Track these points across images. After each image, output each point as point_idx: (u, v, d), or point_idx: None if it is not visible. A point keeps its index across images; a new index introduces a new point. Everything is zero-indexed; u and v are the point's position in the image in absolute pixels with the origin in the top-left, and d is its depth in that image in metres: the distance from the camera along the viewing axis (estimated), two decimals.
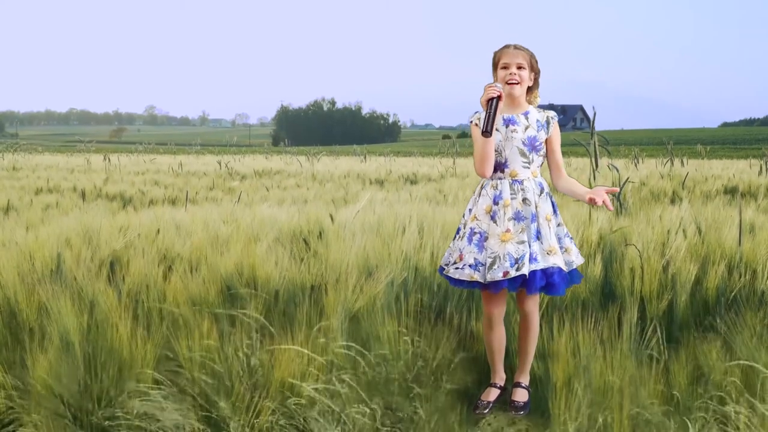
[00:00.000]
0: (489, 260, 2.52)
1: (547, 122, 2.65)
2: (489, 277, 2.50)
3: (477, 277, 2.53)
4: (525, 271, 2.48)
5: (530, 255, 2.51)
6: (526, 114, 2.63)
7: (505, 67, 2.60)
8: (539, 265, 2.52)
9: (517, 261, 2.49)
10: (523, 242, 2.52)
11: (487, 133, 2.51)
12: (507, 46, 2.64)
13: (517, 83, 2.58)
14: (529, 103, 2.70)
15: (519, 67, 2.59)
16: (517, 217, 2.54)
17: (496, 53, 2.65)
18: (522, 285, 2.53)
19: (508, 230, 2.53)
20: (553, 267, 2.53)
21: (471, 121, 2.68)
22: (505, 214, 2.55)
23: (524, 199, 2.57)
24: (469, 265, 2.55)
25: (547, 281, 2.53)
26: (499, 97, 2.52)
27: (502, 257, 2.50)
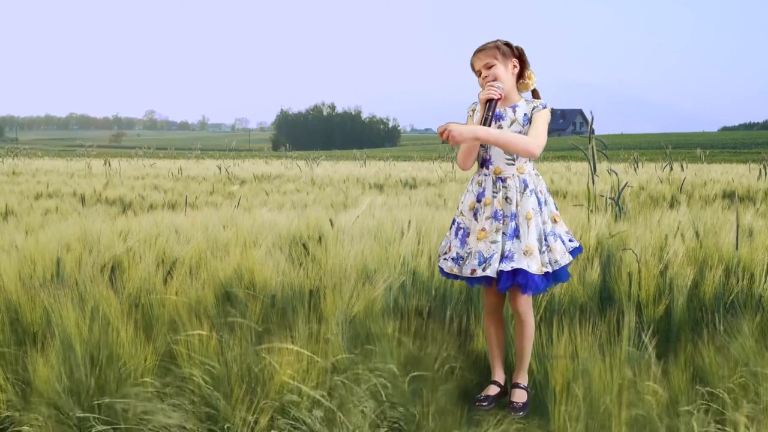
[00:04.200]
0: (466, 255, 2.58)
1: (533, 112, 2.60)
2: (464, 272, 2.57)
3: (456, 270, 2.60)
4: (489, 272, 2.49)
5: (504, 254, 2.51)
6: (514, 107, 2.61)
7: (479, 74, 2.61)
8: (512, 265, 2.48)
9: (486, 260, 2.51)
10: (495, 242, 2.52)
11: None
12: (473, 54, 2.63)
13: (494, 80, 2.56)
14: (525, 88, 2.67)
15: (488, 67, 2.58)
16: (495, 217, 2.55)
17: (470, 64, 2.65)
18: (499, 283, 2.53)
19: (483, 229, 2.55)
20: (520, 269, 2.49)
21: (468, 114, 2.68)
22: (484, 212, 2.57)
23: (506, 198, 2.56)
24: (452, 258, 2.62)
25: (515, 281, 2.50)
26: (498, 99, 2.51)
27: (473, 255, 2.55)
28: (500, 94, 2.52)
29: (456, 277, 2.64)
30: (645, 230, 4.22)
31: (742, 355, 2.55)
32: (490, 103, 2.50)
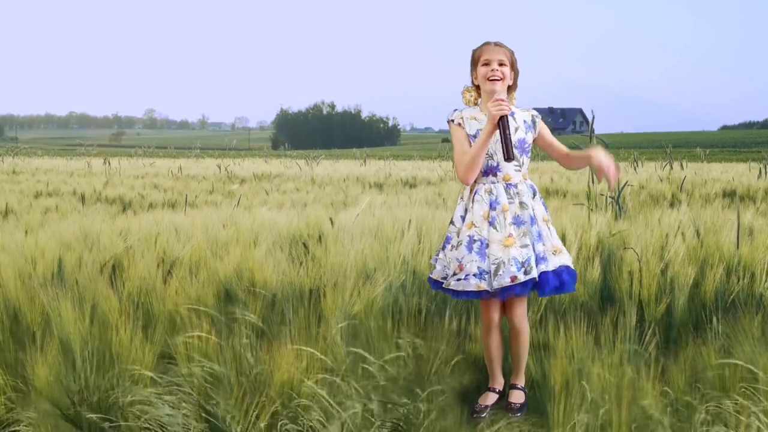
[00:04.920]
0: (493, 267, 2.47)
1: (533, 122, 2.63)
2: (496, 284, 2.46)
3: (484, 285, 2.47)
4: (534, 274, 2.46)
5: (537, 256, 2.50)
6: (512, 114, 2.59)
7: (486, 64, 2.56)
8: (554, 264, 2.51)
9: (523, 265, 2.46)
10: (526, 246, 2.49)
11: (510, 158, 2.45)
12: (487, 43, 2.59)
13: (499, 80, 2.54)
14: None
15: (500, 64, 2.55)
16: (517, 222, 2.52)
17: (475, 50, 2.61)
18: (533, 288, 2.52)
19: (510, 235, 2.49)
20: (561, 266, 2.53)
21: (451, 120, 2.62)
22: (505, 219, 2.51)
23: (521, 203, 2.54)
24: (474, 275, 2.48)
25: (561, 280, 2.52)
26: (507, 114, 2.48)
27: (506, 262, 2.46)
28: (510, 109, 2.46)
29: (481, 294, 2.50)
30: (645, 229, 4.21)
31: (742, 355, 2.55)
32: (503, 120, 2.45)
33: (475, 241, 2.52)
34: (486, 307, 2.61)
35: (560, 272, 2.52)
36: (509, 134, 2.45)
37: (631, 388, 2.36)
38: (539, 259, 2.50)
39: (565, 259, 2.56)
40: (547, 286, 2.50)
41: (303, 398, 2.32)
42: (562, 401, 2.31)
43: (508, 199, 2.54)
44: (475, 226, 2.53)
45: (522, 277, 2.45)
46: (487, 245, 2.51)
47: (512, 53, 2.60)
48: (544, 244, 2.54)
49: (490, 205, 2.54)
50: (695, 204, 7.45)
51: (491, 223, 2.52)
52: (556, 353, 2.49)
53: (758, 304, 3.41)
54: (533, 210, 2.56)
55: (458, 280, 2.51)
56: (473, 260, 2.50)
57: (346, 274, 3.25)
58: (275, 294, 3.21)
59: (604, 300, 3.51)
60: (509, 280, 2.44)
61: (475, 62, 2.61)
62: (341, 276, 3.20)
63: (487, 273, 2.48)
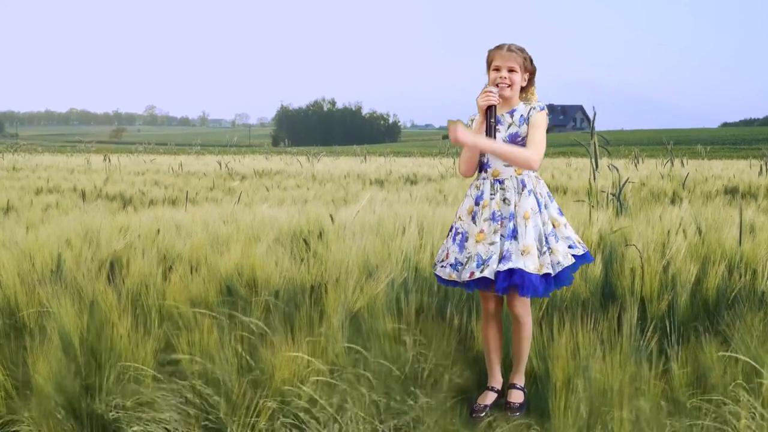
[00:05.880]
0: (465, 260, 2.57)
1: (528, 115, 2.61)
2: (464, 276, 2.55)
3: (454, 276, 2.59)
4: (487, 273, 2.47)
5: (503, 254, 2.50)
6: (512, 111, 2.63)
7: (496, 69, 2.61)
8: (509, 265, 2.47)
9: (484, 262, 2.51)
10: (493, 243, 2.52)
11: None
12: (500, 47, 2.62)
13: (508, 86, 2.59)
14: (526, 100, 2.69)
15: (510, 70, 2.59)
16: (493, 218, 2.55)
17: (490, 52, 2.65)
18: (493, 285, 2.51)
19: (482, 231, 2.55)
20: (516, 269, 2.47)
21: (468, 123, 2.73)
22: (482, 215, 2.57)
23: (504, 199, 2.57)
24: (450, 265, 2.60)
25: (512, 281, 2.48)
26: (496, 104, 2.55)
27: (472, 258, 2.54)
28: (498, 100, 2.55)
29: (455, 283, 2.63)
30: (647, 226, 4.20)
31: (744, 351, 2.54)
32: (490, 109, 2.54)
33: (458, 233, 2.64)
34: (483, 296, 2.68)
35: (512, 273, 2.48)
36: (492, 123, 2.55)
37: (634, 385, 2.35)
38: (501, 258, 2.50)
39: (529, 262, 2.49)
40: (498, 283, 2.50)
41: (303, 399, 2.31)
42: (564, 398, 2.31)
43: (490, 195, 2.59)
44: (461, 220, 2.65)
45: (477, 274, 2.50)
46: (467, 239, 2.61)
47: (524, 58, 2.62)
48: (517, 242, 2.52)
49: (476, 200, 2.63)
50: (696, 201, 7.44)
51: (473, 218, 2.61)
52: (558, 350, 2.48)
53: (760, 301, 3.40)
54: (515, 206, 2.56)
55: (441, 267, 2.65)
56: (454, 251, 2.62)
57: (348, 270, 3.24)
58: (277, 291, 3.20)
59: (605, 297, 3.51)
60: (468, 275, 2.53)
61: (488, 64, 2.66)
62: (343, 272, 3.20)
63: (461, 264, 2.59)
